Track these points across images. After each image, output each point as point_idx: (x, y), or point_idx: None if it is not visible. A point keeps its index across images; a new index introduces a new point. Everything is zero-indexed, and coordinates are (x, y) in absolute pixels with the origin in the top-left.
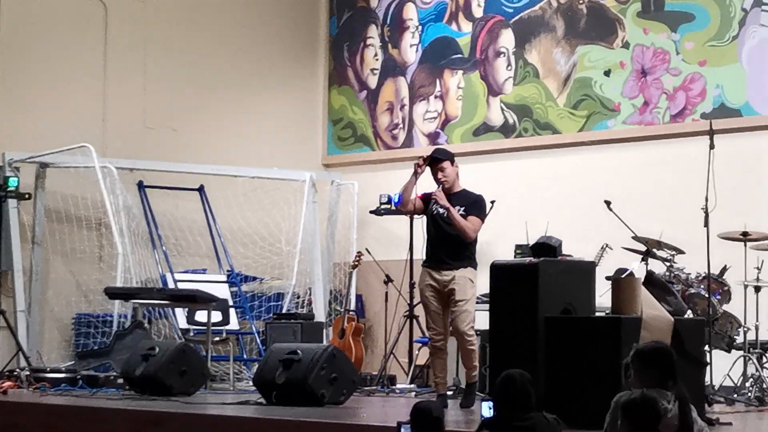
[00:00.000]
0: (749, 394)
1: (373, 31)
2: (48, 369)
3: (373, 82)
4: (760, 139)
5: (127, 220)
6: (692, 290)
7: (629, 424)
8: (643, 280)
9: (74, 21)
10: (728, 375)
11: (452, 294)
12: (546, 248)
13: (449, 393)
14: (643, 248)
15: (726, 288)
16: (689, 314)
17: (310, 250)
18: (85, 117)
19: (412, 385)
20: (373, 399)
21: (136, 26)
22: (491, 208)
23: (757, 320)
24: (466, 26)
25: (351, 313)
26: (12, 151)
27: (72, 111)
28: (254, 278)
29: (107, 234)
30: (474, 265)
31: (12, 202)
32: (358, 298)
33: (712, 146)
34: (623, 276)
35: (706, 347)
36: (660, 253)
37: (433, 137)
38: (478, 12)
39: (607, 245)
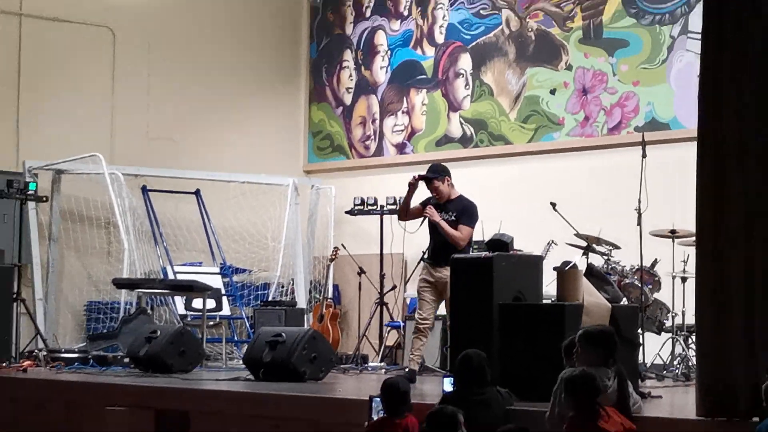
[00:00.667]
0: (677, 371)
1: (348, 55)
2: (63, 350)
3: (348, 99)
4: (686, 149)
5: (132, 219)
6: (627, 280)
7: (571, 397)
8: (584, 271)
9: (86, 46)
10: (659, 354)
11: (445, 289)
12: (499, 244)
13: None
14: (584, 244)
15: (656, 279)
16: (624, 301)
17: (292, 245)
18: (96, 130)
19: (383, 363)
20: (348, 376)
21: (141, 50)
22: None
23: (683, 306)
24: (430, 51)
25: (329, 300)
26: (31, 160)
27: (84, 124)
28: (244, 270)
29: (115, 232)
30: None
31: (31, 204)
32: (335, 287)
33: (644, 155)
34: (567, 268)
35: (639, 330)
36: (599, 248)
37: (400, 147)
38: (440, 39)
39: (552, 241)
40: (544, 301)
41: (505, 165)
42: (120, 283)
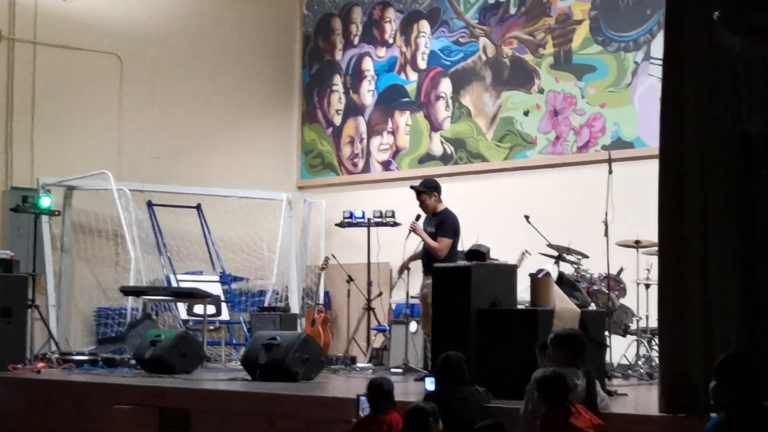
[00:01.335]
0: (641, 370)
1: (338, 80)
2: (74, 352)
3: (337, 120)
4: (649, 166)
5: (138, 232)
6: (595, 287)
7: (543, 396)
8: (555, 279)
9: (96, 72)
10: (624, 355)
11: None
12: (477, 254)
13: (399, 371)
14: (555, 253)
15: (622, 285)
16: (593, 307)
17: (286, 255)
18: (105, 149)
19: (370, 365)
20: (338, 376)
21: (146, 75)
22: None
23: (647, 311)
24: (413, 76)
25: (320, 306)
26: (45, 176)
27: (94, 144)
28: (241, 278)
29: (122, 243)
30: None
31: (45, 218)
32: (326, 294)
33: (610, 172)
34: (540, 276)
35: (607, 333)
36: (569, 257)
37: (386, 165)
38: (422, 64)
39: (526, 251)
40: (519, 307)
41: (483, 181)
42: (127, 291)
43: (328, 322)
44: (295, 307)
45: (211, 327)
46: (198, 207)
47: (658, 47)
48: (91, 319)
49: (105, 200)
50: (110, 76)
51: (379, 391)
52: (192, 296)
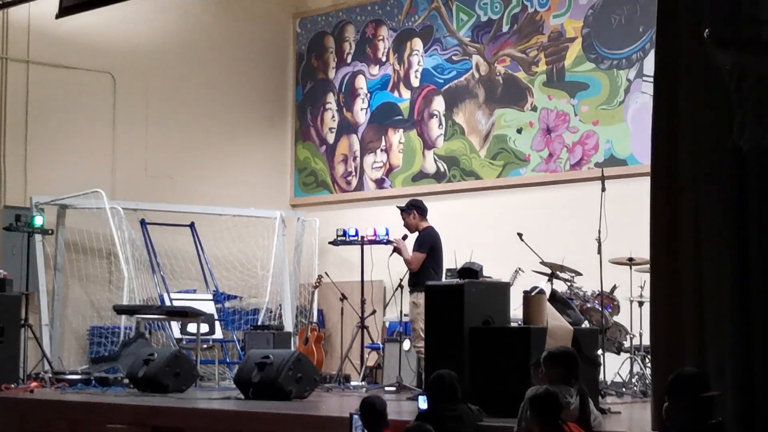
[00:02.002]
0: (635, 388)
1: (331, 98)
2: (67, 372)
3: (331, 138)
4: (641, 183)
5: (131, 250)
6: (588, 305)
7: (536, 414)
8: (548, 296)
9: (89, 90)
10: (618, 373)
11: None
12: (470, 272)
13: (393, 389)
14: (548, 271)
15: (616, 303)
16: (586, 324)
17: (280, 273)
18: (98, 167)
19: (363, 383)
20: (331, 394)
21: (139, 94)
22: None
23: (640, 329)
24: (406, 93)
25: (313, 324)
26: (38, 195)
27: (87, 163)
28: (235, 297)
29: (115, 262)
30: (419, 290)
31: (38, 237)
32: (319, 312)
33: (603, 189)
34: (533, 293)
35: (600, 351)
36: (562, 275)
37: (379, 182)
38: (415, 82)
39: (519, 269)
40: (512, 325)
41: (476, 198)
42: (120, 310)
43: (321, 340)
44: (288, 326)
45: (205, 346)
46: (191, 225)
47: (650, 64)
48: (84, 338)
49: (98, 219)
50: (103, 95)
51: (372, 410)
52: (185, 315)
